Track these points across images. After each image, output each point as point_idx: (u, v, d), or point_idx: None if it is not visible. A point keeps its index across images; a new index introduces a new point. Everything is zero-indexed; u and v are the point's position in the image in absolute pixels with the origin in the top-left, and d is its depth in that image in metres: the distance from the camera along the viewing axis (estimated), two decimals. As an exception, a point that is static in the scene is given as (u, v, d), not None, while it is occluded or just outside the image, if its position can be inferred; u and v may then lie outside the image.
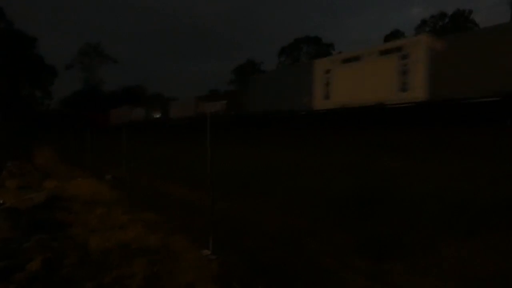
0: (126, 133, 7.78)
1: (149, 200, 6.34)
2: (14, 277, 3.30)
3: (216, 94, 25.65)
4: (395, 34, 40.45)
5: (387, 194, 4.64)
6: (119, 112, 35.94)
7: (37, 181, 9.00)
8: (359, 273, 3.36)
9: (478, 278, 3.07)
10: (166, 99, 28.77)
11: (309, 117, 14.84)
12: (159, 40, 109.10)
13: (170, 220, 5.08)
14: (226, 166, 6.22)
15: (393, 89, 11.45)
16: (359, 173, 5.42)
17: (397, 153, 5.51)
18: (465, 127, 7.76)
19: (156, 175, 8.82)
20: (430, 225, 4.02)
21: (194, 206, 5.62)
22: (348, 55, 13.85)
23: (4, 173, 10.20)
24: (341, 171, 5.71)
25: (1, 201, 6.72)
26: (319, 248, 3.97)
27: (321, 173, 5.92)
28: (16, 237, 4.33)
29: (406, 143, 5.58)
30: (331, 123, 13.16)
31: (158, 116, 28.05)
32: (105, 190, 7.55)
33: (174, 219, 5.15)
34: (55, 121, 39.35)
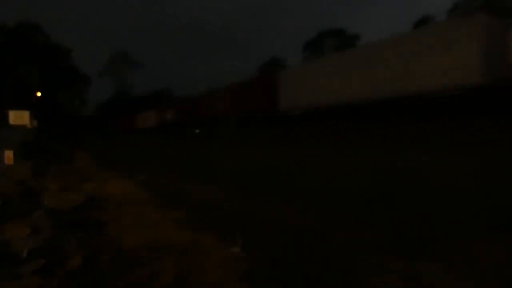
0: (156, 136, 8.03)
1: (178, 199, 6.52)
2: (56, 272, 3.53)
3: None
4: (425, 20, 38.60)
5: (418, 189, 4.46)
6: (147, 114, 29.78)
7: (76, 183, 9.50)
8: (387, 272, 3.27)
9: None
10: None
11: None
12: (174, 42, 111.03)
13: (199, 218, 5.20)
14: (251, 165, 6.26)
15: None
16: (385, 167, 5.25)
17: (427, 146, 5.28)
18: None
19: (184, 175, 9.04)
20: (469, 221, 3.81)
21: (221, 204, 5.70)
22: None
23: (47, 176, 10.90)
24: (366, 165, 5.56)
25: (45, 203, 7.19)
26: (348, 246, 3.90)
27: (346, 169, 5.80)
28: (57, 236, 4.62)
29: (436, 135, 5.34)
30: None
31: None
32: (138, 190, 7.86)
33: (203, 217, 5.26)
34: (91, 127, 41.40)
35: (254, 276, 3.39)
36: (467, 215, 3.81)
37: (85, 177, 10.58)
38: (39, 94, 41.60)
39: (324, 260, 3.62)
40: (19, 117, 10.69)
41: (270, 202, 5.68)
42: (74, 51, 54.78)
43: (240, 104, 16.17)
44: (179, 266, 3.67)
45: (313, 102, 11.37)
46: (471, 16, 8.48)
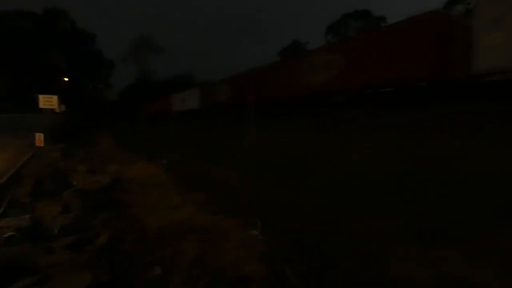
0: (177, 121, 8.20)
1: (199, 183, 6.67)
2: (86, 248, 3.74)
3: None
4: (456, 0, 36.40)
5: (438, 178, 4.35)
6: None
7: (102, 165, 9.90)
8: (406, 259, 3.25)
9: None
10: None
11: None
12: (194, 28, 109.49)
13: (219, 202, 5.32)
14: (269, 151, 6.28)
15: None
16: (407, 155, 5.13)
17: (450, 132, 5.10)
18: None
19: (204, 160, 9.20)
20: (489, 210, 3.70)
21: (240, 188, 5.79)
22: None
23: (75, 159, 11.41)
24: (387, 153, 5.45)
25: (74, 183, 7.56)
26: (365, 232, 3.89)
27: (365, 156, 5.71)
28: (85, 215, 4.87)
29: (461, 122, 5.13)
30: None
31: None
32: (160, 174, 8.10)
33: (222, 200, 5.38)
34: (115, 111, 42.50)
35: (272, 258, 3.47)
36: (491, 205, 3.69)
37: (110, 160, 10.99)
38: (66, 79, 43.18)
39: (344, 246, 3.64)
40: (48, 101, 11.17)
41: (290, 187, 5.72)
42: (98, 36, 55.90)
43: (365, 71, 8.71)
44: (200, 246, 3.80)
45: None
46: None
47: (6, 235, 3.83)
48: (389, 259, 3.28)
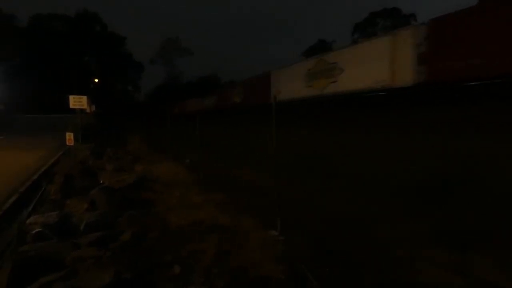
0: (199, 121, 8.29)
1: (219, 182, 6.70)
2: (110, 245, 3.83)
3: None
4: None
5: (473, 179, 4.09)
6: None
7: (129, 164, 10.18)
8: (436, 264, 3.07)
9: None
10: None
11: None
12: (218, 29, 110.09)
13: (239, 201, 5.30)
14: (290, 150, 6.19)
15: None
16: (438, 155, 4.87)
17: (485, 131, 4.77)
18: None
19: (225, 160, 9.24)
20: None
21: (260, 188, 5.74)
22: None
23: (104, 158, 11.83)
24: (416, 152, 5.20)
25: (101, 181, 7.83)
26: (390, 235, 3.73)
27: (392, 156, 5.49)
28: (111, 212, 5.00)
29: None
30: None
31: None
32: (183, 173, 8.22)
33: (243, 200, 5.36)
34: (143, 112, 43.71)
35: (292, 259, 3.40)
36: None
37: (137, 159, 11.29)
38: (96, 80, 45.12)
39: (368, 249, 3.50)
40: (77, 101, 11.68)
41: (312, 188, 5.60)
42: (128, 38, 57.74)
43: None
44: (220, 246, 3.79)
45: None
46: None
47: (34, 231, 4.00)
48: (418, 264, 3.13)
